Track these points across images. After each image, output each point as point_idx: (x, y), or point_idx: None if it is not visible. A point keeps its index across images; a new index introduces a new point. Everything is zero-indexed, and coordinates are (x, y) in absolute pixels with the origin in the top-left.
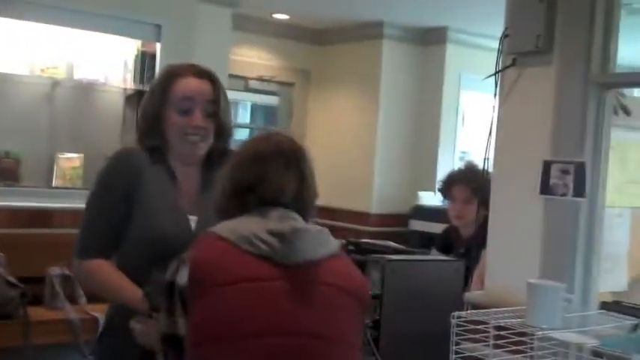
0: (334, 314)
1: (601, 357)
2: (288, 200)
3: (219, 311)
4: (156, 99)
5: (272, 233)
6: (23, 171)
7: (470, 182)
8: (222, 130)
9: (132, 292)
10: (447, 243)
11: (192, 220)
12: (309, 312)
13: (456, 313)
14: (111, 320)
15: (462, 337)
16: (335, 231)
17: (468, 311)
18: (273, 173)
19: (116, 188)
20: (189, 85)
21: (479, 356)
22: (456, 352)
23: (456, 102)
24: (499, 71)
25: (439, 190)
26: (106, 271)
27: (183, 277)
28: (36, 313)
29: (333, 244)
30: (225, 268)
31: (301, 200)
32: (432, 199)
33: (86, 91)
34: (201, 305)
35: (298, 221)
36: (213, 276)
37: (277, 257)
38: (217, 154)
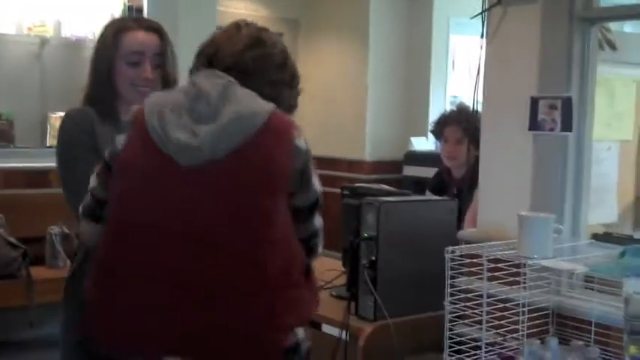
0: (235, 213)
1: (592, 282)
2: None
3: (112, 196)
4: (106, 52)
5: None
6: (17, 132)
7: (461, 123)
8: (168, 81)
9: None
10: (439, 185)
11: None
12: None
13: (450, 248)
14: (79, 267)
15: (456, 272)
16: (330, 180)
17: (462, 246)
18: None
19: (83, 141)
20: (139, 38)
21: (473, 289)
22: (451, 286)
23: (445, 46)
24: (485, 10)
25: (431, 131)
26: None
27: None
28: (38, 272)
29: (251, 123)
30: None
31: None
32: (424, 144)
33: (74, 48)
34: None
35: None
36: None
37: (178, 159)
38: None
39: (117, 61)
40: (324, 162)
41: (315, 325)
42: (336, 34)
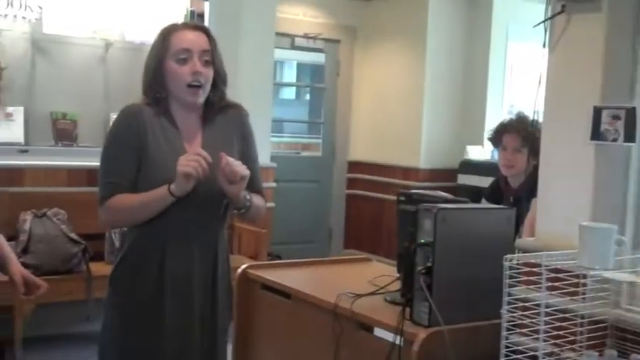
0: None
1: None
2: None
3: None
4: (156, 53)
5: None
6: (80, 131)
7: (520, 131)
8: (218, 78)
9: (159, 192)
10: (495, 193)
11: None
12: None
13: (509, 256)
14: (125, 257)
15: (515, 280)
16: (385, 187)
17: (521, 254)
18: None
19: (127, 140)
20: (186, 36)
21: (531, 298)
22: (508, 295)
23: (503, 54)
24: (548, 19)
25: (489, 139)
26: (127, 196)
27: None
28: (97, 268)
29: None
30: None
31: None
32: (480, 153)
33: (137, 51)
34: None
35: None
36: None
37: None
38: (216, 101)
39: (167, 61)
40: (379, 169)
41: (367, 329)
42: (393, 41)
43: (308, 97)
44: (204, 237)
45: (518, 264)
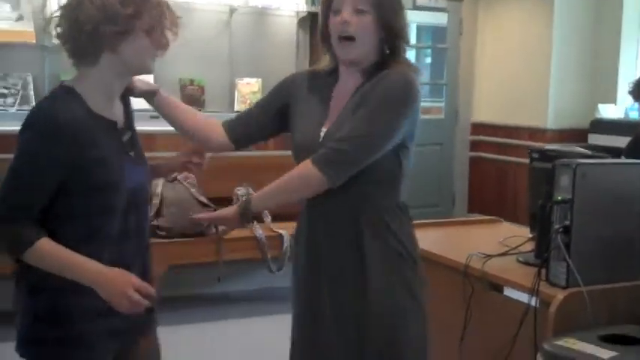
0: None
1: None
2: None
3: None
4: (322, 5)
5: None
6: (207, 97)
7: None
8: (386, 30)
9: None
10: (637, 149)
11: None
12: None
13: None
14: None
15: None
16: (511, 149)
17: None
18: None
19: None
20: None
21: None
22: None
23: (637, 8)
24: None
25: (630, 92)
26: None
27: None
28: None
29: None
30: None
31: None
32: (613, 111)
33: (261, 16)
34: None
35: None
36: None
37: None
38: (388, 59)
39: (330, 16)
40: (504, 130)
41: (499, 289)
42: None
43: (429, 59)
44: None
45: None
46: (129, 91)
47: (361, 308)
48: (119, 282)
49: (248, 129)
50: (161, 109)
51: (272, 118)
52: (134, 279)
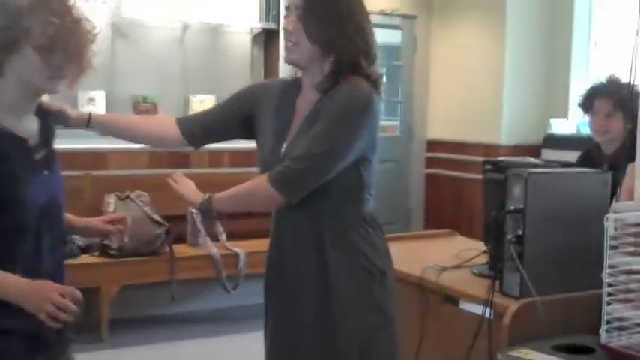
0: None
1: None
2: None
3: None
4: None
5: None
6: (160, 113)
7: (612, 95)
8: (316, 40)
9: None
10: (588, 162)
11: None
12: None
13: (610, 216)
14: None
15: (620, 242)
16: (465, 165)
17: (622, 214)
18: None
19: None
20: None
21: (634, 263)
22: (610, 258)
23: (587, 24)
24: None
25: (579, 104)
26: None
27: None
28: (179, 249)
29: None
30: None
31: None
32: (564, 126)
33: (215, 33)
34: None
35: None
36: None
37: None
38: (345, 76)
39: None
40: (459, 147)
41: (454, 301)
42: (472, 14)
43: (384, 77)
44: None
45: (621, 227)
46: (61, 122)
47: (330, 324)
48: (42, 289)
49: (206, 130)
50: (104, 129)
51: (237, 125)
52: (58, 285)
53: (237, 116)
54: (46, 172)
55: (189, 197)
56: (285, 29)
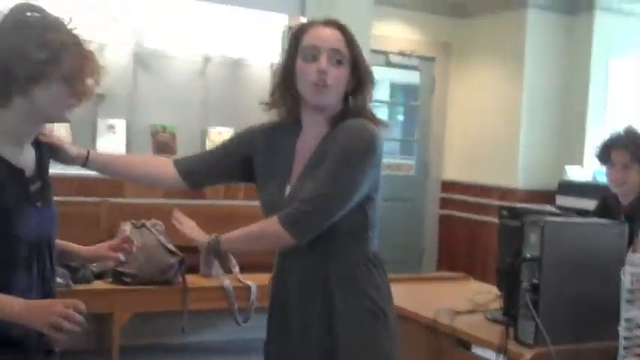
0: None
1: None
2: None
3: None
4: (288, 52)
5: None
6: (178, 144)
7: (629, 146)
8: (359, 82)
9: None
10: (605, 211)
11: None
12: None
13: (628, 269)
14: None
15: (637, 296)
16: (480, 208)
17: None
18: None
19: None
20: (316, 33)
21: None
22: (626, 312)
23: (605, 72)
24: None
25: (596, 155)
26: None
27: None
28: (192, 280)
29: None
30: None
31: None
32: (580, 173)
33: (235, 66)
34: None
35: None
36: None
37: None
38: (354, 110)
39: (297, 61)
40: (474, 189)
41: (466, 346)
42: (490, 57)
43: (401, 117)
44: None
45: (633, 281)
46: (59, 157)
47: None
48: (45, 305)
49: (203, 171)
50: (101, 168)
51: (237, 167)
52: (62, 300)
53: (235, 157)
54: (39, 204)
55: (197, 238)
56: (324, 72)
